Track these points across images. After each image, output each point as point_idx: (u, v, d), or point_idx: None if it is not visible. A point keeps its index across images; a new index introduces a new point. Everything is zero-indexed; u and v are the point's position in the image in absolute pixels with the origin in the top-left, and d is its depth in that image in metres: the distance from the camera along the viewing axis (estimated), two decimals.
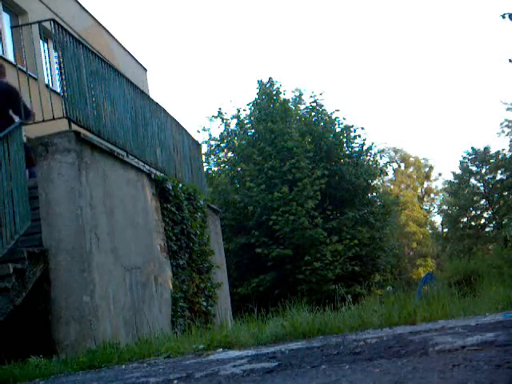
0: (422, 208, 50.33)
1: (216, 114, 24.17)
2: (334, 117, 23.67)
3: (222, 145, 24.32)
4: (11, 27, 12.56)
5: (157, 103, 9.97)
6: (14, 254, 6.03)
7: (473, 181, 39.22)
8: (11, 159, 6.35)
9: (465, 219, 39.66)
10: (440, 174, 52.94)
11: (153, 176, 8.63)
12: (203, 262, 9.91)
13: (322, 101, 23.89)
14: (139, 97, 9.06)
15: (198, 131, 25.12)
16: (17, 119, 7.03)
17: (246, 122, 23.85)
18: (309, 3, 72.31)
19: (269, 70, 28.70)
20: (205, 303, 9.52)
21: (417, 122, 73.91)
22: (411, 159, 51.85)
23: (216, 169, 24.50)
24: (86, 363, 4.76)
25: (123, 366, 4.43)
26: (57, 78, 8.57)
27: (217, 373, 3.10)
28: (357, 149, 23.70)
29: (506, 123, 38.61)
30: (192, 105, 66.15)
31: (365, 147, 23.80)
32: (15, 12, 13.39)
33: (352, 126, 23.40)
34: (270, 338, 4.56)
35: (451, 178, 40.77)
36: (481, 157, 37.99)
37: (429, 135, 75.37)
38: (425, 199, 52.76)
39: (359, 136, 23.51)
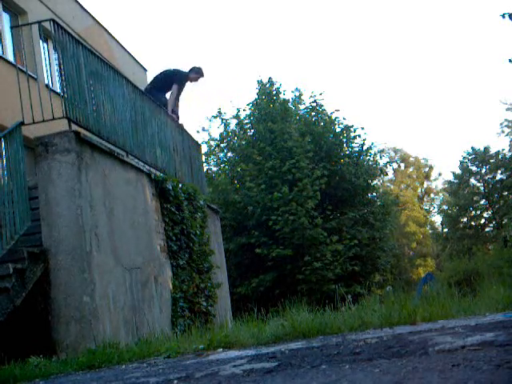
0: (422, 208, 50.31)
1: (216, 114, 24.17)
2: (333, 117, 23.65)
3: (221, 145, 24.30)
4: (11, 27, 12.56)
5: (157, 103, 9.97)
6: (14, 254, 6.04)
7: (473, 181, 39.25)
8: (11, 159, 6.35)
9: (465, 219, 39.67)
10: (440, 174, 53.05)
11: (153, 176, 8.63)
12: (203, 261, 9.91)
13: (322, 101, 23.86)
14: (139, 97, 9.06)
15: (198, 131, 25.13)
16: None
17: (245, 122, 23.82)
18: (309, 3, 72.33)
19: (269, 70, 28.71)
20: (205, 303, 9.51)
21: (417, 122, 73.98)
22: (411, 159, 51.87)
23: (216, 169, 24.47)
24: (86, 363, 4.76)
25: (123, 366, 4.43)
26: (57, 78, 8.57)
27: (217, 373, 3.10)
28: (357, 149, 23.67)
29: (506, 123, 38.67)
30: (192, 105, 66.21)
31: (365, 147, 23.77)
32: (15, 12, 13.38)
33: (352, 126, 23.37)
34: (270, 338, 4.56)
35: (451, 178, 40.84)
36: (481, 157, 38.00)
37: (429, 135, 75.43)
38: (425, 199, 52.77)
39: (359, 136, 23.48)
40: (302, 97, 24.71)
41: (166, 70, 10.65)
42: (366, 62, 74.25)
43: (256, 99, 23.37)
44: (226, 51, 74.71)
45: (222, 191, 21.30)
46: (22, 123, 6.76)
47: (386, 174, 29.51)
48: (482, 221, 39.49)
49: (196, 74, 10.36)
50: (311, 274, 19.40)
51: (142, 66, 19.95)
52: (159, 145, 9.54)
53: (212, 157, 24.61)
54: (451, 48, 70.90)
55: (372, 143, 25.80)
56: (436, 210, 50.51)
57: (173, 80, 10.41)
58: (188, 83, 10.68)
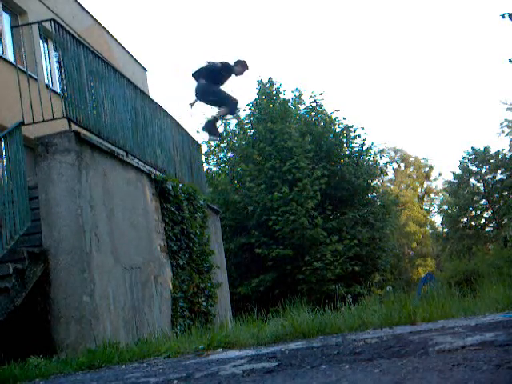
0: (422, 208, 50.29)
1: None
2: (333, 117, 23.67)
3: (221, 145, 24.30)
4: (11, 27, 12.56)
5: (157, 103, 9.97)
6: (14, 254, 6.04)
7: (473, 181, 39.26)
8: (11, 159, 6.35)
9: (465, 219, 39.67)
10: (440, 174, 53.02)
11: (153, 176, 8.63)
12: (203, 261, 9.91)
13: (322, 101, 23.88)
14: (139, 97, 9.06)
15: (198, 131, 25.03)
16: None
17: (245, 122, 23.84)
18: (309, 3, 72.35)
19: (269, 70, 28.69)
20: (205, 303, 9.52)
21: (417, 122, 73.96)
22: (411, 159, 51.86)
23: (216, 169, 24.47)
24: (86, 363, 4.76)
25: (123, 366, 4.43)
26: (57, 78, 8.58)
27: (217, 373, 3.10)
28: (357, 149, 23.68)
29: (506, 123, 38.66)
30: None
31: (365, 147, 23.78)
32: (15, 12, 13.38)
33: (352, 126, 23.38)
34: (270, 338, 4.56)
35: (451, 178, 40.83)
36: (481, 157, 38.01)
37: (429, 135, 75.41)
38: (425, 199, 52.74)
39: (359, 136, 23.49)
40: (302, 97, 24.73)
41: (212, 63, 9.95)
42: (366, 61, 74.32)
43: (256, 99, 23.38)
44: (225, 51, 74.74)
45: (222, 191, 21.30)
46: (22, 123, 6.76)
47: (386, 174, 29.52)
48: (482, 221, 39.49)
49: (242, 67, 9.54)
50: (311, 274, 19.40)
51: (142, 66, 19.95)
52: (159, 145, 9.54)
53: (212, 157, 24.60)
54: (451, 48, 70.96)
55: (372, 143, 25.90)
56: (436, 209, 50.52)
57: (218, 66, 9.70)
58: (233, 77, 10.05)
